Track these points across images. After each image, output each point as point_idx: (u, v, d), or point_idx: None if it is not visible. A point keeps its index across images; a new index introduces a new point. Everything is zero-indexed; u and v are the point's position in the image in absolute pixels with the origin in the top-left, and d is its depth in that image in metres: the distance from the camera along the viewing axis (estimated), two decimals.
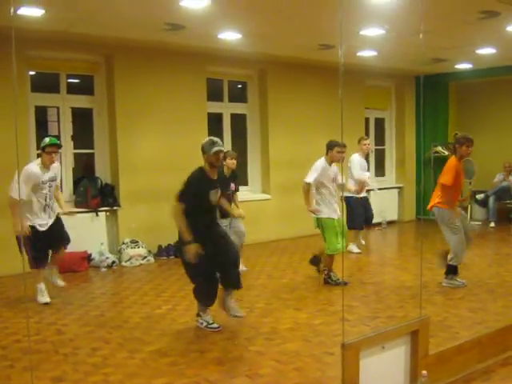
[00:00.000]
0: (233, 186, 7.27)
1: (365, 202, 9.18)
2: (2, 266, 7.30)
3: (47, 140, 6.26)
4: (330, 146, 6.87)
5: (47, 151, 6.24)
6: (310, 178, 6.73)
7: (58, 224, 6.51)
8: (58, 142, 6.47)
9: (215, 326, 5.30)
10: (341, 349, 3.37)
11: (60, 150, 6.79)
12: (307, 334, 5.16)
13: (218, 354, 4.69)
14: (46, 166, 6.30)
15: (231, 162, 7.23)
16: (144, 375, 4.30)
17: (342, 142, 6.85)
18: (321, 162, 6.87)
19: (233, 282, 5.26)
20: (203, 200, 5.17)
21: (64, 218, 6.66)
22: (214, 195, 5.27)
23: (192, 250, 5.01)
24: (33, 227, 6.20)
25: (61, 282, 6.64)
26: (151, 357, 4.67)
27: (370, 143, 9.35)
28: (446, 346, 4.21)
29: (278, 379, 4.16)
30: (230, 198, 7.02)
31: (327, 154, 6.89)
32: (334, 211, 6.80)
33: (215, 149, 5.19)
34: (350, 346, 3.37)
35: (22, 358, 4.70)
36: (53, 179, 6.43)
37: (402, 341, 3.77)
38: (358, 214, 9.03)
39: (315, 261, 7.30)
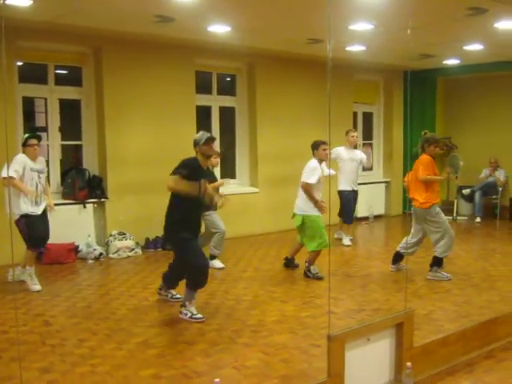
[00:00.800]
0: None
1: (355, 196, 9.27)
2: None
3: (26, 135, 6.51)
4: (316, 146, 7.03)
5: (29, 144, 6.42)
6: (312, 178, 6.87)
7: (44, 218, 6.62)
8: (38, 134, 6.68)
9: (199, 316, 5.34)
10: (327, 340, 3.41)
11: (42, 143, 6.88)
12: (294, 326, 5.20)
13: (204, 345, 4.72)
14: (32, 160, 6.43)
15: (215, 161, 7.47)
16: (131, 366, 4.33)
17: (324, 140, 7.03)
18: (314, 162, 7.00)
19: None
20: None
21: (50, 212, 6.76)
22: (203, 185, 5.40)
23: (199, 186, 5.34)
24: (26, 215, 6.34)
25: (37, 287, 6.56)
26: (138, 348, 4.69)
27: (357, 135, 9.43)
28: (431, 339, 4.27)
29: (264, 371, 4.19)
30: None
31: (314, 154, 7.04)
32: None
33: (206, 136, 5.47)
34: (335, 338, 3.42)
35: (9, 348, 4.71)
36: (41, 171, 6.51)
37: (387, 333, 3.82)
38: (349, 208, 9.14)
39: (289, 263, 7.51)
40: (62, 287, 6.78)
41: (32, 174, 6.41)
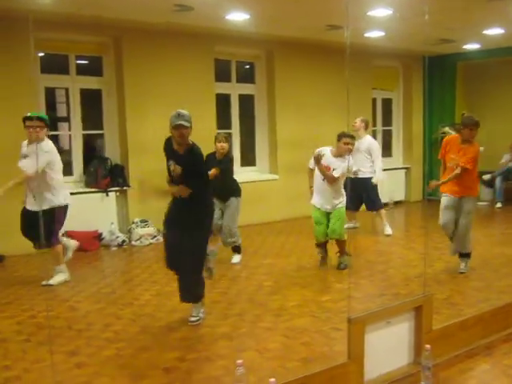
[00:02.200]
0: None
1: (363, 185, 9.01)
2: (13, 246, 7.43)
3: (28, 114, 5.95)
4: (338, 137, 6.59)
5: (26, 125, 5.91)
6: (311, 162, 6.74)
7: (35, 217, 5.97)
8: (38, 115, 6.09)
9: None
10: (347, 323, 3.48)
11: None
12: (314, 310, 5.28)
13: (227, 329, 4.81)
14: (29, 142, 6.04)
15: (219, 146, 6.91)
16: (156, 349, 4.44)
17: (349, 133, 6.65)
18: (325, 148, 6.62)
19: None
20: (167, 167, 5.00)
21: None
22: (173, 167, 4.92)
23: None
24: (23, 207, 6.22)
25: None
26: (162, 332, 4.81)
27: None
28: (450, 322, 4.32)
29: (285, 354, 4.28)
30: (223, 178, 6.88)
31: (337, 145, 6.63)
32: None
33: (175, 122, 4.75)
34: (356, 321, 3.49)
35: (38, 332, 4.85)
36: (24, 156, 6.05)
37: (407, 316, 3.88)
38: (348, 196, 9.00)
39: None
40: (87, 274, 6.94)
41: (21, 161, 5.98)
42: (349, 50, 3.78)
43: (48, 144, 6.07)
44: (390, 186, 11.93)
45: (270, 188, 10.22)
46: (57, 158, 6.16)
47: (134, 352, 4.39)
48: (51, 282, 6.26)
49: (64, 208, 6.26)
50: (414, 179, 12.68)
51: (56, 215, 6.17)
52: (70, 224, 7.81)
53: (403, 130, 12.88)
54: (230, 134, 7.37)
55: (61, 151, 10.93)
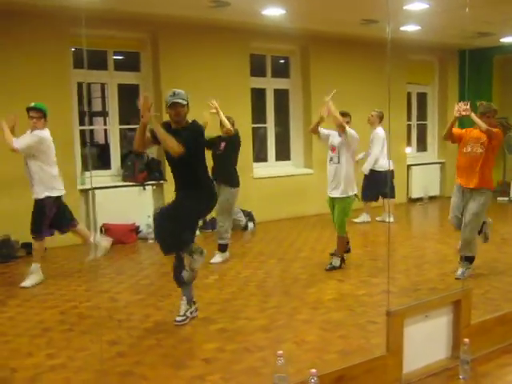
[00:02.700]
0: (222, 145, 7.01)
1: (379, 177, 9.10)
2: (52, 238, 7.62)
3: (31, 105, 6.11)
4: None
5: (29, 115, 6.08)
6: None
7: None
8: (37, 105, 6.12)
9: None
10: (386, 316, 3.52)
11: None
12: (351, 304, 5.33)
13: (264, 321, 4.89)
14: (32, 131, 6.15)
15: (225, 129, 6.82)
16: (195, 340, 4.54)
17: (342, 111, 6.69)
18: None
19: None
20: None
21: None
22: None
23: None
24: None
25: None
26: (201, 323, 4.90)
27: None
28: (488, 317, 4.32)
29: (323, 346, 4.33)
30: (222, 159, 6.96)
31: None
32: None
33: (170, 101, 4.74)
34: (395, 314, 3.52)
35: (80, 322, 5.00)
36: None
37: (445, 310, 3.90)
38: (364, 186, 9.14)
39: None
40: (125, 266, 7.09)
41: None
42: (390, 45, 3.80)
43: (41, 132, 6.10)
44: (425, 180, 11.89)
45: (305, 182, 10.25)
46: (45, 149, 6.13)
47: (174, 342, 4.49)
48: (24, 284, 6.14)
49: (50, 200, 6.19)
50: (449, 174, 12.54)
51: (39, 207, 6.17)
52: (107, 217, 8.03)
53: (438, 124, 12.77)
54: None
55: (94, 144, 11.13)
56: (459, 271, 6.07)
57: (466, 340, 3.68)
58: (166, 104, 4.76)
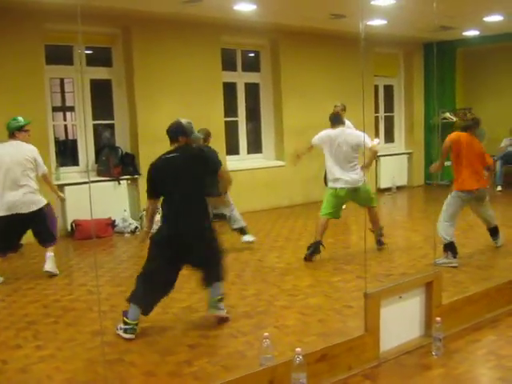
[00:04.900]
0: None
1: None
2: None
3: (22, 120, 6.24)
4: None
5: (25, 129, 6.26)
6: None
7: None
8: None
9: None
10: (364, 298, 3.73)
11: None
12: (327, 290, 5.55)
13: (246, 308, 5.07)
14: None
15: None
16: (179, 328, 4.70)
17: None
18: None
19: None
20: None
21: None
22: None
23: None
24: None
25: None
26: (184, 312, 5.07)
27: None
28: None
29: (303, 329, 4.55)
30: None
31: None
32: None
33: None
34: (372, 296, 3.74)
35: (64, 314, 5.11)
36: None
37: (418, 291, 4.14)
38: None
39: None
40: (104, 259, 7.16)
41: None
42: (363, 43, 4.00)
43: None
44: (393, 171, 12.19)
45: (277, 174, 10.44)
46: None
47: (160, 331, 4.65)
48: None
49: None
50: (416, 164, 12.92)
51: None
52: (81, 213, 8.02)
53: (405, 115, 13.10)
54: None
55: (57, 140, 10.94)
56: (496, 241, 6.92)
57: (438, 319, 3.92)
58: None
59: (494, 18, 9.67)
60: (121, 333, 4.53)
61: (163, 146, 8.87)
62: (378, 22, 9.62)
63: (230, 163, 10.02)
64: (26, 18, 7.74)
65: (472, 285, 5.46)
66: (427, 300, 4.15)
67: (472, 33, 11.40)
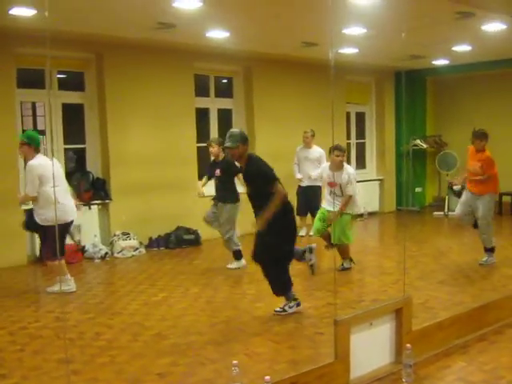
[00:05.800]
0: (217, 171, 7.67)
1: (312, 192, 9.53)
2: (3, 258, 7.57)
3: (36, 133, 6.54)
4: (330, 150, 7.21)
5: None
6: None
7: None
8: (21, 135, 6.89)
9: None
10: (333, 325, 3.71)
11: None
12: (298, 316, 5.51)
13: (215, 336, 5.01)
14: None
15: (212, 150, 7.73)
16: (149, 356, 4.61)
17: (340, 146, 7.20)
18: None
19: None
20: None
21: None
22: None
23: None
24: None
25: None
26: (153, 339, 4.98)
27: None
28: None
29: (273, 357, 4.51)
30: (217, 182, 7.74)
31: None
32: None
33: (224, 145, 5.97)
34: (341, 322, 3.72)
35: (30, 342, 4.99)
36: None
37: (388, 318, 4.14)
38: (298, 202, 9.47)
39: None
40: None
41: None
42: (333, 70, 4.07)
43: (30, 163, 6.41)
44: (364, 197, 12.24)
45: (246, 199, 10.38)
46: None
47: (128, 359, 4.56)
48: None
49: None
50: (387, 190, 13.01)
51: None
52: None
53: (376, 142, 13.22)
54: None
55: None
56: (484, 258, 7.48)
57: (408, 345, 3.91)
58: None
59: (463, 48, 9.88)
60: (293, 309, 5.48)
61: (134, 170, 8.99)
62: (349, 51, 9.76)
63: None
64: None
65: (442, 311, 5.48)
66: (397, 326, 4.15)
67: (442, 62, 11.63)
